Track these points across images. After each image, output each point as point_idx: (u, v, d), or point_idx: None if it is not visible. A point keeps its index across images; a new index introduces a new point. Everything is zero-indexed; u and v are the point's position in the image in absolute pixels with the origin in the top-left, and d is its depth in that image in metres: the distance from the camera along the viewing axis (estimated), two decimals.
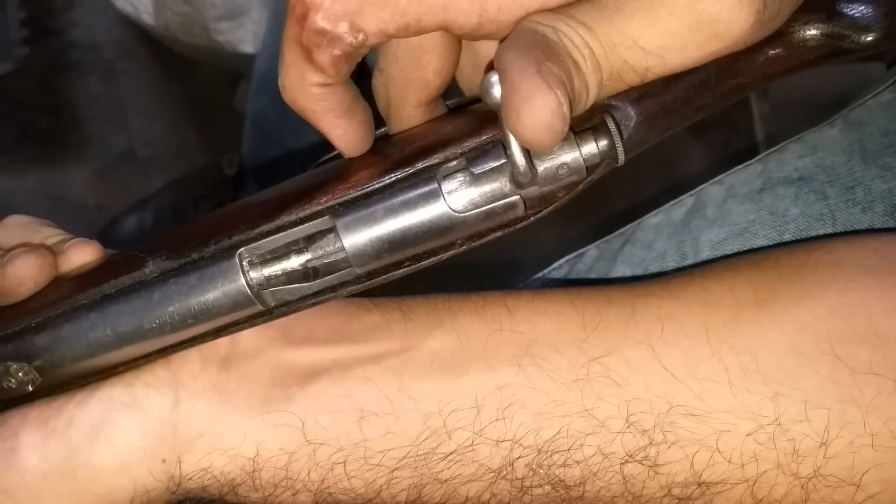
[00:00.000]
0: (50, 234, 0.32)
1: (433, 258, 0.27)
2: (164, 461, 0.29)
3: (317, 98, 0.27)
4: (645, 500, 0.28)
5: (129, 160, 1.04)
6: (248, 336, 0.30)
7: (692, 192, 0.41)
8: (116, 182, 1.02)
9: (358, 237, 0.27)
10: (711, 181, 0.41)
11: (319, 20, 0.25)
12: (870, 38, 0.28)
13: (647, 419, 0.28)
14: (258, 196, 0.29)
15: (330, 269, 0.28)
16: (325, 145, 0.30)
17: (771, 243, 0.36)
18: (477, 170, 0.26)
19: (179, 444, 0.29)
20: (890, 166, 0.36)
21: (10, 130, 1.04)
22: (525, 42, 0.24)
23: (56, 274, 0.30)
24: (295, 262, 0.28)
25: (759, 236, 0.37)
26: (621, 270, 0.40)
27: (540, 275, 0.44)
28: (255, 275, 0.28)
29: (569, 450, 0.28)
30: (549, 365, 0.29)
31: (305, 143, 0.71)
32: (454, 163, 0.27)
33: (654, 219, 0.42)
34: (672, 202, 0.42)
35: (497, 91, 0.23)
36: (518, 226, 0.27)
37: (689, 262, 0.38)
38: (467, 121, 0.28)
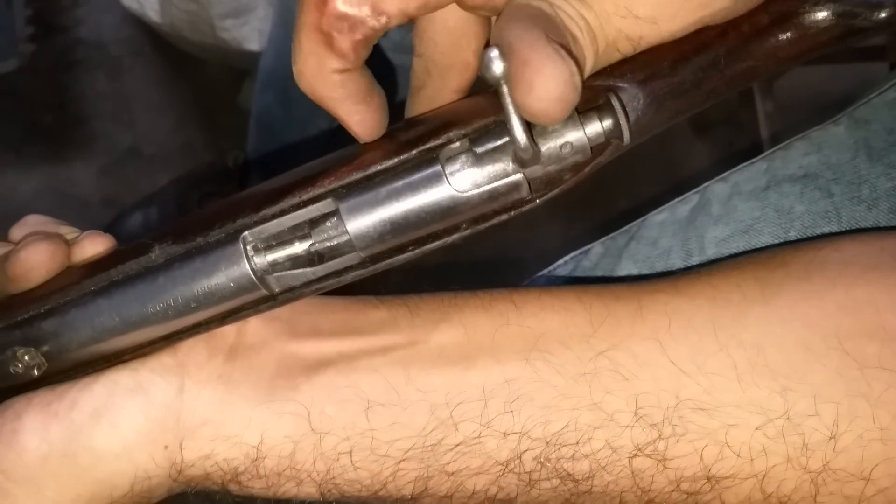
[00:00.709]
0: (65, 231, 0.32)
1: (438, 242, 0.27)
2: (166, 447, 0.29)
3: (336, 85, 0.27)
4: (654, 495, 0.28)
5: (135, 157, 1.04)
6: (253, 328, 0.30)
7: (697, 189, 0.41)
8: (121, 179, 1.03)
9: (361, 220, 0.27)
10: (716, 178, 0.41)
11: (340, 5, 0.25)
12: (883, 15, 0.28)
13: (656, 413, 0.28)
14: (265, 184, 0.30)
15: (334, 253, 0.28)
16: (328, 142, 0.30)
17: (776, 240, 0.37)
18: (480, 149, 0.26)
19: (182, 430, 0.29)
20: (895, 164, 0.36)
21: (16, 127, 1.04)
22: (526, 16, 0.24)
23: (68, 264, 0.31)
24: (299, 246, 0.28)
25: (764, 233, 0.37)
26: (626, 267, 0.40)
27: (545, 271, 0.44)
28: (259, 260, 0.28)
29: (577, 443, 0.28)
30: (556, 359, 0.29)
31: (310, 140, 0.72)
32: (457, 144, 0.27)
33: (659, 216, 0.42)
34: (677, 199, 0.42)
35: (498, 66, 0.23)
36: (524, 208, 0.27)
37: (695, 258, 0.38)
38: (471, 103, 0.28)
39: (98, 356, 0.30)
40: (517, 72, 0.23)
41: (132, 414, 0.29)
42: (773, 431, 0.27)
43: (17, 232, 0.33)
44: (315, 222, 0.28)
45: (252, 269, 0.28)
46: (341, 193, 0.27)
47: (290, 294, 0.29)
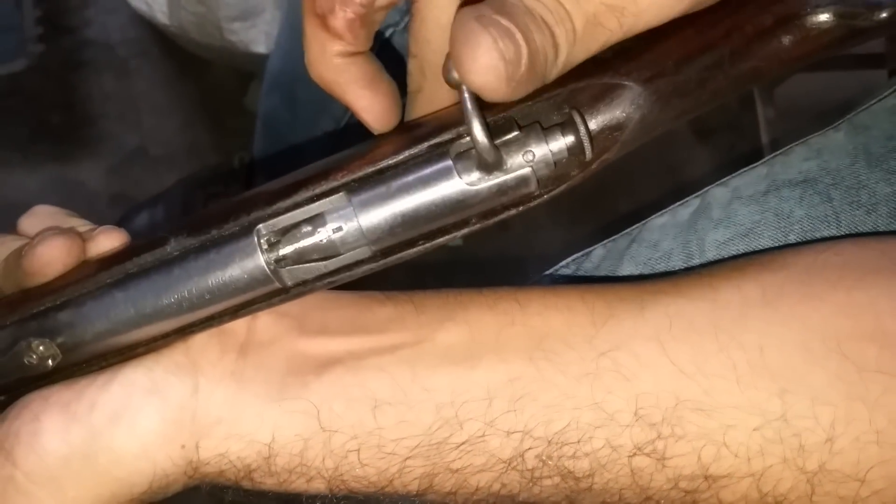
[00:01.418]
0: (76, 224, 0.33)
1: (447, 236, 0.28)
2: (183, 447, 0.29)
3: (340, 69, 0.27)
4: (652, 493, 0.29)
5: (141, 157, 1.05)
6: (264, 325, 0.31)
7: (698, 193, 0.42)
8: (128, 179, 1.03)
9: (373, 213, 0.27)
10: (717, 183, 0.41)
11: None
12: (884, 15, 0.28)
13: (656, 413, 0.28)
14: (279, 180, 0.30)
15: (345, 246, 0.28)
16: (334, 145, 0.30)
17: (776, 244, 0.37)
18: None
19: (198, 429, 0.29)
20: (894, 169, 0.36)
21: (24, 126, 1.05)
22: (477, 1, 0.24)
23: (83, 258, 0.31)
24: (311, 240, 0.28)
25: (764, 237, 0.37)
26: (628, 269, 0.40)
27: (548, 272, 0.44)
28: (273, 253, 0.28)
29: (578, 442, 0.28)
30: (559, 359, 0.29)
31: (315, 142, 0.72)
32: (467, 139, 0.27)
33: (660, 219, 0.42)
34: (678, 203, 0.42)
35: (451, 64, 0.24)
36: (532, 203, 0.27)
37: (695, 261, 0.39)
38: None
39: (112, 348, 0.30)
40: (452, 52, 0.23)
41: (150, 415, 0.29)
42: (770, 432, 0.27)
43: (26, 223, 0.33)
44: (328, 216, 0.28)
45: (266, 262, 0.28)
46: (353, 187, 0.27)
47: (303, 287, 0.29)
